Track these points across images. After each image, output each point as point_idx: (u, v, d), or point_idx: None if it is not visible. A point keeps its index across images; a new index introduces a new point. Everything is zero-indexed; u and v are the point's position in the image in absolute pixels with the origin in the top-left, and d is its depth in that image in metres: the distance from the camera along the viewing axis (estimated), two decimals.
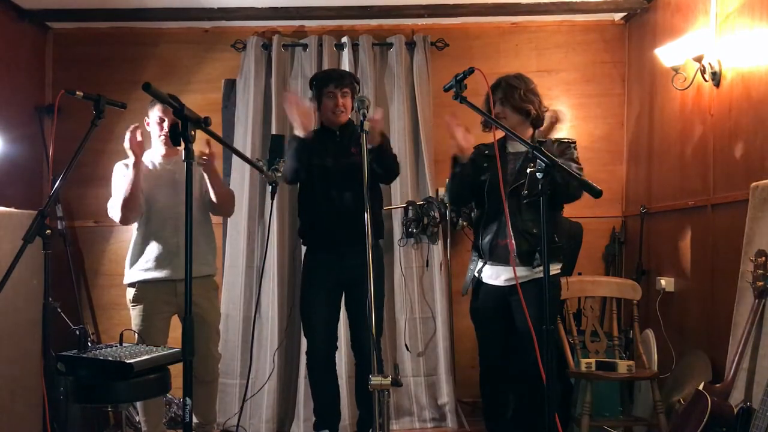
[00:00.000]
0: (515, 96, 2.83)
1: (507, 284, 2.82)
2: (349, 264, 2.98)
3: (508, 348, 2.87)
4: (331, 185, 3.03)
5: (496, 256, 2.86)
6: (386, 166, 3.00)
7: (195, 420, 3.13)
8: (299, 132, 2.99)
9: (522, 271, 2.76)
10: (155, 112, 3.01)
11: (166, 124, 3.00)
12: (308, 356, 3.19)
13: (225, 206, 3.18)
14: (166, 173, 3.06)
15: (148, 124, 3.08)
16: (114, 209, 2.95)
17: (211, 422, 3.20)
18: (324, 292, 3.10)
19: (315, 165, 3.05)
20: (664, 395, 3.16)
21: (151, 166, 3.07)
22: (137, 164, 2.85)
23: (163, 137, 3.03)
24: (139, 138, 2.84)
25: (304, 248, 3.27)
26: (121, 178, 2.99)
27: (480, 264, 2.93)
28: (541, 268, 2.69)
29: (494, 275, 2.88)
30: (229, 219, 3.96)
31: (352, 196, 2.94)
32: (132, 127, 2.84)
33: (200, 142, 3.08)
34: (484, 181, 2.89)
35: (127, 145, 2.83)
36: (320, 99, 3.08)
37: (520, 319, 2.78)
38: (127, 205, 2.90)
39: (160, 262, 3.00)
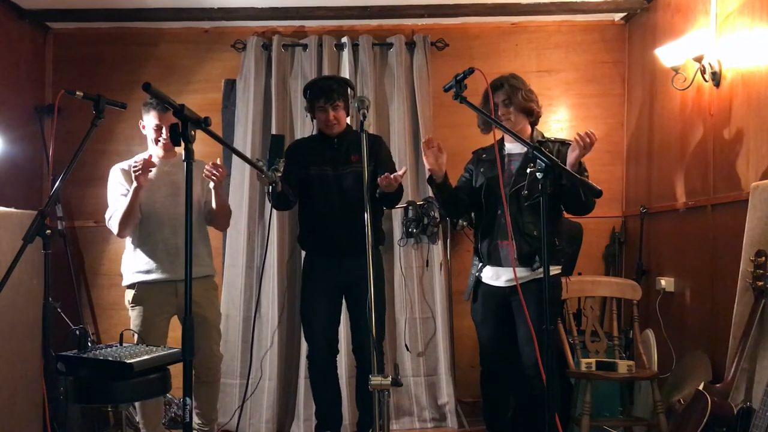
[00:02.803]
0: (519, 96, 2.82)
1: (507, 285, 2.82)
2: (349, 268, 2.98)
3: (509, 348, 2.87)
4: (330, 194, 3.03)
5: (495, 257, 2.86)
6: (392, 203, 3.14)
7: (196, 420, 3.13)
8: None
9: (522, 272, 2.76)
10: (151, 119, 3.00)
11: (164, 131, 2.99)
12: (309, 361, 3.19)
13: (222, 221, 3.19)
14: (164, 175, 3.06)
15: (143, 128, 3.08)
16: (112, 224, 2.98)
17: (212, 422, 3.20)
18: (324, 297, 3.10)
19: (313, 174, 3.05)
20: (664, 395, 3.16)
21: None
22: (138, 190, 2.87)
23: (162, 142, 3.03)
24: (147, 170, 2.84)
25: (303, 252, 3.27)
26: (118, 186, 3.00)
27: (480, 266, 2.93)
28: (542, 269, 2.72)
29: (495, 276, 2.88)
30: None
31: (352, 203, 2.93)
32: (145, 159, 2.84)
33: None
34: (481, 185, 2.89)
35: (133, 165, 2.83)
36: (313, 110, 3.09)
37: (520, 320, 2.78)
38: (125, 223, 2.94)
39: (159, 264, 3.00)
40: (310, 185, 3.07)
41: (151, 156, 2.93)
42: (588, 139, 2.56)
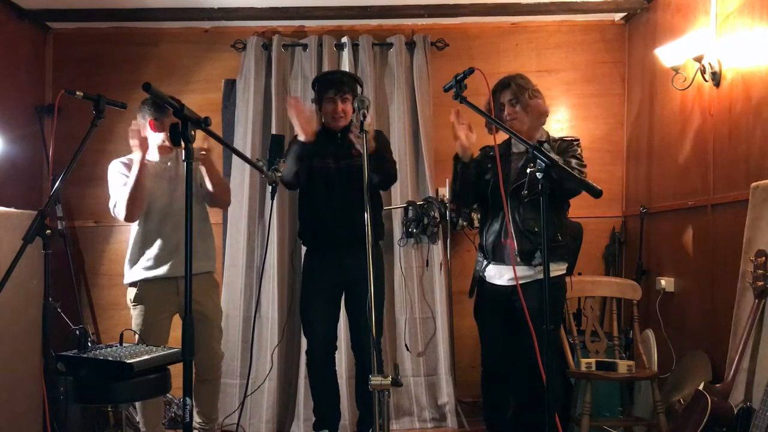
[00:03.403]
0: (526, 95, 2.83)
1: (510, 284, 2.81)
2: (349, 265, 2.99)
3: (511, 348, 2.87)
4: (331, 187, 3.04)
5: (499, 255, 2.86)
6: (384, 171, 3.03)
7: (197, 419, 3.13)
8: (301, 137, 2.99)
9: (525, 271, 2.75)
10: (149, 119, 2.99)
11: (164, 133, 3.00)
12: (308, 357, 3.19)
13: (222, 197, 3.16)
14: (163, 171, 3.06)
15: (151, 125, 3.07)
16: (118, 210, 2.93)
17: (213, 421, 3.20)
18: (324, 294, 3.11)
19: (316, 167, 3.06)
20: (664, 395, 3.16)
21: (147, 165, 3.06)
22: (143, 160, 2.82)
23: (162, 140, 3.03)
24: (143, 134, 2.83)
25: (303, 249, 3.27)
26: (119, 176, 2.98)
27: (484, 264, 2.93)
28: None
29: (497, 275, 2.88)
30: (229, 219, 3.97)
31: (353, 197, 2.94)
32: (134, 125, 2.83)
33: (198, 138, 3.08)
34: (488, 181, 2.89)
35: (133, 141, 2.80)
36: (321, 102, 3.10)
37: (523, 319, 2.77)
38: (134, 202, 2.87)
39: (160, 260, 2.99)
40: (312, 177, 3.07)
41: (142, 126, 2.89)
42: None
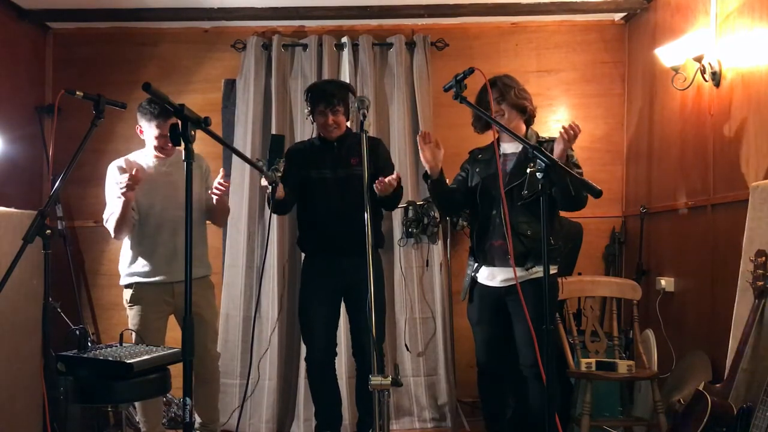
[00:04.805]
0: (511, 93, 2.83)
1: (503, 285, 2.82)
2: (348, 269, 2.98)
3: (506, 348, 2.87)
4: (330, 196, 3.03)
5: (490, 258, 2.85)
6: (392, 206, 3.17)
7: (198, 420, 3.13)
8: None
9: (517, 272, 2.75)
10: (153, 128, 2.97)
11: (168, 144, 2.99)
12: (308, 363, 3.17)
13: (223, 217, 3.26)
14: (162, 176, 3.04)
15: (141, 132, 3.05)
16: (108, 226, 2.96)
17: (214, 421, 3.19)
18: (323, 299, 3.09)
19: (313, 177, 3.05)
20: (664, 395, 3.16)
21: (145, 168, 3.05)
22: (127, 204, 2.83)
23: (166, 150, 3.03)
24: (134, 187, 2.78)
25: (302, 254, 3.27)
26: (114, 186, 2.96)
27: (476, 266, 2.93)
28: (536, 268, 2.72)
29: (490, 276, 2.87)
30: (229, 219, 3.96)
31: (352, 205, 2.93)
32: (132, 175, 2.74)
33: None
34: (476, 184, 2.89)
35: (120, 183, 2.76)
36: (313, 113, 3.09)
37: (517, 320, 2.78)
38: (120, 228, 2.92)
39: (157, 265, 2.99)
40: (309, 188, 3.07)
41: (138, 171, 2.81)
42: (572, 132, 2.57)
